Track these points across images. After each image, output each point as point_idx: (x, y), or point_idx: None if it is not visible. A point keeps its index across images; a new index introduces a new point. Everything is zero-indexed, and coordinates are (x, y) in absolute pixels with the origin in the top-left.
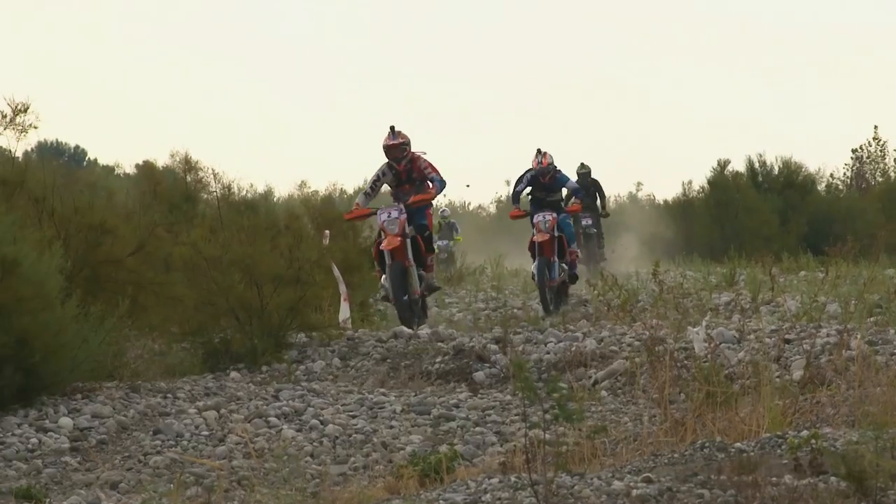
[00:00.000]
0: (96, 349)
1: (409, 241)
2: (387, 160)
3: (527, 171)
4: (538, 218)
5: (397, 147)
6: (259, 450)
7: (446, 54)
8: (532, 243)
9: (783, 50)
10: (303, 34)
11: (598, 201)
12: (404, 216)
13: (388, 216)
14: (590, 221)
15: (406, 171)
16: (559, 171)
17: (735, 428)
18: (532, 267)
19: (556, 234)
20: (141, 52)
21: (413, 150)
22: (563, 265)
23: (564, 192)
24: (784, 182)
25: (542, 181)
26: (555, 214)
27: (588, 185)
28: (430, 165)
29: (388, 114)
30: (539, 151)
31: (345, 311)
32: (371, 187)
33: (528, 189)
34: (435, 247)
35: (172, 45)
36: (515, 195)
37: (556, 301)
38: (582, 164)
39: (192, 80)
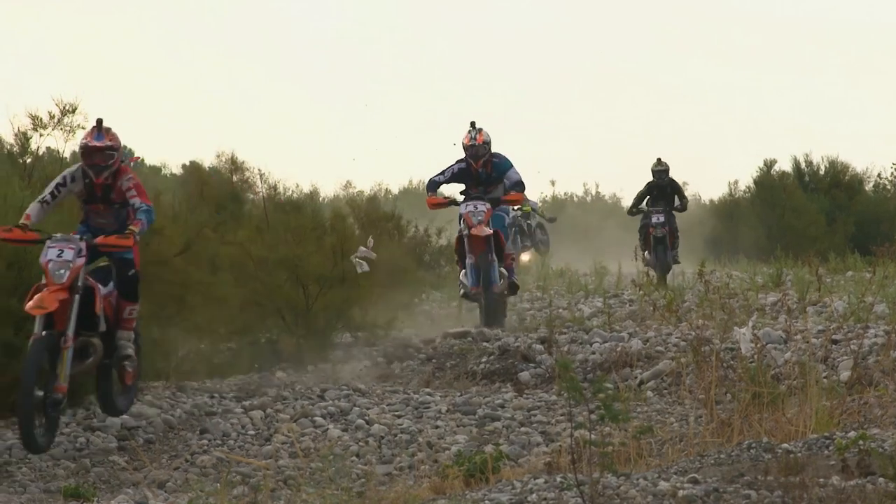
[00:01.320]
0: (144, 349)
1: (77, 298)
2: (83, 164)
3: (455, 163)
4: (468, 208)
5: (102, 151)
6: (305, 449)
7: (488, 53)
8: (461, 239)
9: (829, 49)
10: (348, 33)
11: (678, 202)
12: (82, 260)
13: (59, 255)
14: (661, 219)
15: (104, 187)
16: (499, 155)
17: (782, 429)
18: (461, 275)
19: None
20: (187, 53)
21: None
22: (502, 269)
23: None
24: (831, 182)
25: (474, 169)
26: (489, 204)
27: (665, 186)
28: (138, 186)
29: (432, 112)
30: (473, 126)
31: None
32: (51, 194)
33: (456, 184)
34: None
35: (218, 45)
36: (432, 184)
37: (493, 315)
38: (658, 160)
39: (238, 81)
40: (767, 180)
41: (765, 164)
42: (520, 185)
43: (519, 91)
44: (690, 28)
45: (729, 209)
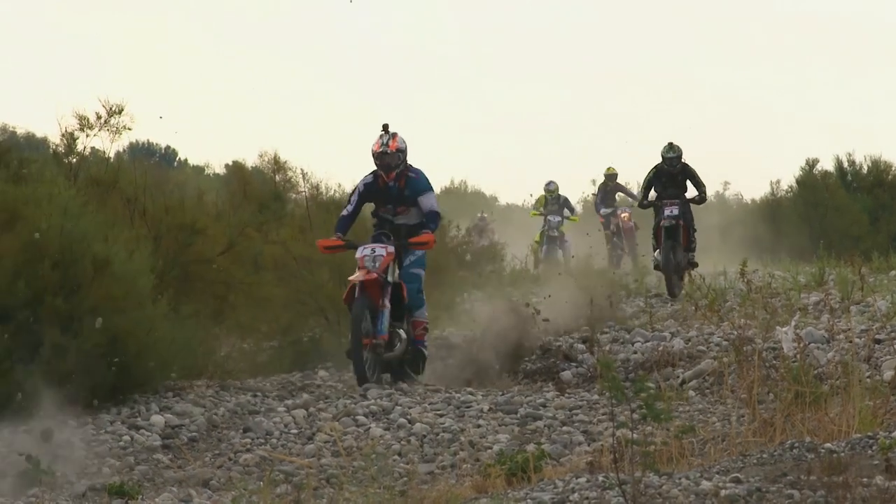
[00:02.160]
0: (187, 348)
1: None
2: None
3: (360, 181)
4: (364, 251)
5: None
6: (347, 448)
7: (530, 54)
8: (351, 290)
9: (871, 48)
10: (390, 34)
11: (697, 191)
12: None
13: None
14: (674, 211)
15: None
16: (416, 170)
17: (825, 428)
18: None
19: (388, 277)
20: (230, 53)
21: None
22: (401, 331)
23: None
24: (873, 181)
25: (382, 181)
26: (391, 248)
27: (675, 173)
28: None
29: (475, 114)
30: (385, 129)
31: None
32: None
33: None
34: (546, 220)
35: (261, 45)
36: (340, 223)
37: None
38: (670, 144)
39: (280, 81)
40: (810, 180)
41: (807, 163)
42: (434, 217)
43: (562, 90)
44: (733, 27)
45: (771, 209)
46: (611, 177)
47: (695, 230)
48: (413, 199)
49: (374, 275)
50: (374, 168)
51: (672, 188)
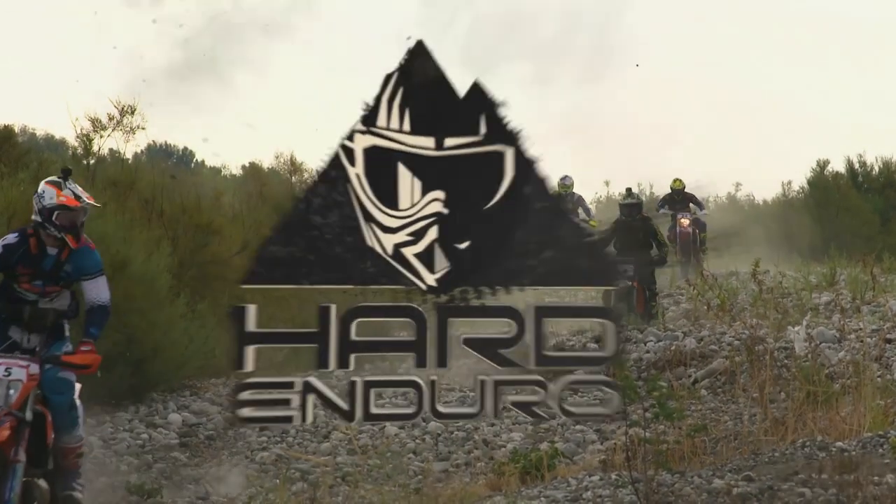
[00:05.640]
0: (203, 346)
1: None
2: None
3: (0, 241)
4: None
5: None
6: (363, 446)
7: (550, 54)
8: None
9: (883, 49)
10: (410, 32)
11: (658, 251)
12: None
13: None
14: (629, 272)
15: None
16: (87, 241)
17: (836, 427)
18: None
19: (27, 413)
20: (246, 53)
21: None
22: (40, 481)
23: None
24: (885, 182)
25: (37, 249)
26: (34, 368)
27: (635, 227)
28: None
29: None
30: (66, 176)
31: None
32: None
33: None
34: None
35: (279, 44)
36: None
37: None
38: (628, 190)
39: (296, 80)
40: (821, 181)
41: (818, 164)
42: (104, 316)
43: (576, 91)
44: (744, 27)
45: (783, 209)
46: (677, 192)
47: (655, 293)
48: (73, 280)
49: (6, 424)
50: (30, 225)
51: (631, 246)
